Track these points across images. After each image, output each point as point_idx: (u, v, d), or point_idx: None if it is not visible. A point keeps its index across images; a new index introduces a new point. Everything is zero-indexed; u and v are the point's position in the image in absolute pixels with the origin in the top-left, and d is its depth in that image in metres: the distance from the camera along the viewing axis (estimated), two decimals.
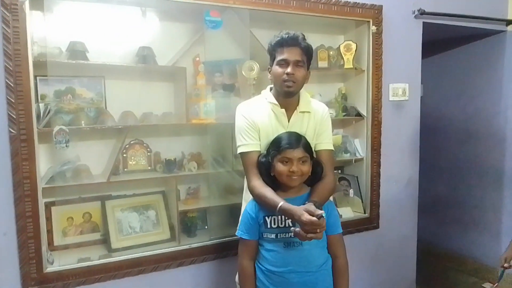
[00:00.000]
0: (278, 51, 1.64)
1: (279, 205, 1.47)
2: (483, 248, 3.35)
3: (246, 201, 1.73)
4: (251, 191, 1.63)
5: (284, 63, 1.61)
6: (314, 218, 1.36)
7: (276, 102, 1.69)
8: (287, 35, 1.62)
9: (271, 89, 1.77)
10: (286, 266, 1.57)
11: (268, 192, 1.56)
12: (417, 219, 2.92)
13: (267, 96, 1.74)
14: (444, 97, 3.65)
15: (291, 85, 1.62)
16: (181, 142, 2.40)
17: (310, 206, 1.43)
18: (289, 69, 1.60)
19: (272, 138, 1.64)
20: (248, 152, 1.67)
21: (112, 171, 2.09)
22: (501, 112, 3.19)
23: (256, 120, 1.69)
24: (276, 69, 1.63)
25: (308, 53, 1.65)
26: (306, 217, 1.37)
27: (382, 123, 2.65)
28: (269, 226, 1.59)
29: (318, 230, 1.38)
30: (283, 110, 1.69)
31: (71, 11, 2.02)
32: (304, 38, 1.64)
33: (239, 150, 1.70)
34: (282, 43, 1.62)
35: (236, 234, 1.67)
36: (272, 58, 1.68)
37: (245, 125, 1.69)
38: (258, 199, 1.60)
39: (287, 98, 1.69)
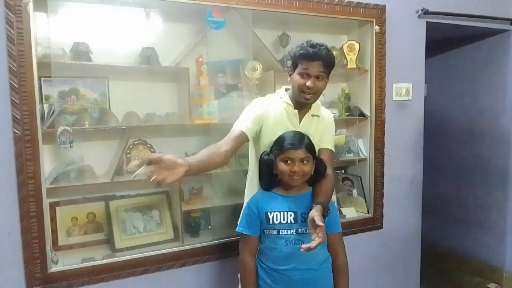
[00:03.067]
0: (301, 62, 1.64)
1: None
2: (488, 248, 3.34)
3: (248, 197, 1.75)
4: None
5: (305, 75, 1.63)
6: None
7: (290, 102, 1.72)
8: (311, 49, 1.60)
9: (286, 89, 1.79)
10: (288, 264, 1.57)
11: (203, 151, 1.49)
12: (421, 219, 2.91)
13: (282, 95, 1.76)
14: (448, 97, 3.64)
15: (309, 98, 1.66)
16: (185, 142, 2.40)
17: (317, 210, 1.43)
18: (309, 83, 1.62)
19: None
20: (237, 130, 1.62)
21: (116, 171, 2.10)
22: (505, 111, 3.17)
23: (268, 114, 1.70)
24: (297, 78, 1.65)
25: (330, 65, 1.66)
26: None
27: (385, 123, 2.64)
28: (271, 222, 1.59)
29: None
30: (296, 111, 1.73)
31: (75, 12, 2.03)
32: (327, 50, 1.63)
33: (234, 125, 1.66)
34: (306, 56, 1.62)
35: (236, 230, 1.67)
36: (294, 65, 1.68)
37: (251, 112, 1.69)
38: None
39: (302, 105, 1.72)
